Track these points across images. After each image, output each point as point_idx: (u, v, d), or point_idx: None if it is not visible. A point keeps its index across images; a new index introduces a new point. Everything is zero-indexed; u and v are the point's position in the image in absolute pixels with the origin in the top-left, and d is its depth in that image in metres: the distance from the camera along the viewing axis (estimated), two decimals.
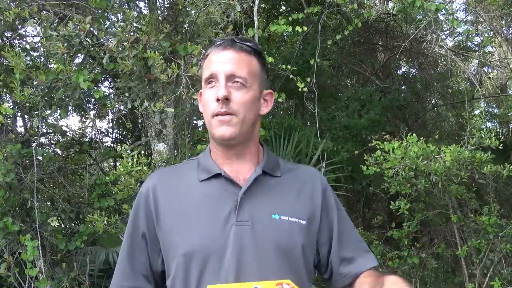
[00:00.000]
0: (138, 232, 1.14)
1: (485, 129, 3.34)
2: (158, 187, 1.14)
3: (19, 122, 3.88)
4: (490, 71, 8.49)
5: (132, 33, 2.71)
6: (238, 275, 1.03)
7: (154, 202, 1.12)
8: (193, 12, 3.02)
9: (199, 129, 4.45)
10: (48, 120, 3.54)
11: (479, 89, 4.68)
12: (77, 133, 4.67)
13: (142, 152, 4.87)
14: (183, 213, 1.10)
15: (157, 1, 3.26)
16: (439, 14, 4.01)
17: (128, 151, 2.91)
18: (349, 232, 1.19)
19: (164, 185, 1.15)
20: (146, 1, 3.45)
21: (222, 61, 1.08)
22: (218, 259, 1.04)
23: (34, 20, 2.85)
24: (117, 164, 4.96)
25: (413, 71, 7.77)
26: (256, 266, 1.04)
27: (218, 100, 1.06)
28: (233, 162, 1.13)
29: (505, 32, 6.85)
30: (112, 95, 4.42)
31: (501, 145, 3.10)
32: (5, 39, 3.34)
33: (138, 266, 1.13)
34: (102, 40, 2.78)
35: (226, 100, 1.06)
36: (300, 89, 3.25)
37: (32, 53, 3.38)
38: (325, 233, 1.15)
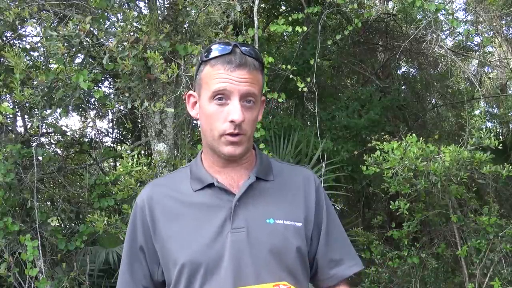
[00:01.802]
0: (136, 245, 1.16)
1: (484, 129, 3.34)
2: (153, 199, 1.15)
3: (19, 122, 3.88)
4: (490, 71, 8.50)
5: (132, 33, 2.71)
6: (236, 282, 1.04)
7: (150, 213, 1.13)
8: (193, 12, 3.02)
9: (199, 129, 4.45)
10: (48, 120, 3.54)
11: (479, 89, 4.67)
12: (77, 133, 4.67)
13: (142, 152, 4.87)
14: (179, 223, 1.11)
15: (157, 1, 3.26)
16: (439, 14, 4.00)
17: (128, 151, 2.91)
18: (337, 233, 1.20)
19: (159, 196, 1.15)
20: (146, 1, 3.45)
21: (236, 80, 1.05)
22: (215, 267, 1.05)
23: (34, 20, 2.86)
24: (117, 164, 4.96)
25: (413, 71, 7.78)
26: (253, 272, 1.05)
27: (232, 121, 1.05)
28: (228, 170, 1.14)
29: (505, 32, 6.85)
30: (112, 95, 4.43)
31: (501, 145, 3.10)
32: (5, 39, 3.34)
33: (138, 278, 1.16)
34: (102, 40, 2.78)
35: (241, 122, 1.06)
36: (300, 89, 3.25)
37: (32, 53, 3.38)
38: (315, 233, 1.16)
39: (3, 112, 2.87)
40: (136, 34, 2.73)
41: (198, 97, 1.13)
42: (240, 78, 1.05)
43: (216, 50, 1.08)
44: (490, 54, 7.56)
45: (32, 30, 3.37)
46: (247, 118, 1.07)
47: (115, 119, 5.48)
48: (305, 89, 3.25)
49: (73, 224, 4.01)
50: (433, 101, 7.74)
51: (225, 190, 1.11)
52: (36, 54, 3.39)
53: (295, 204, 1.14)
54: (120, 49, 2.65)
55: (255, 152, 1.20)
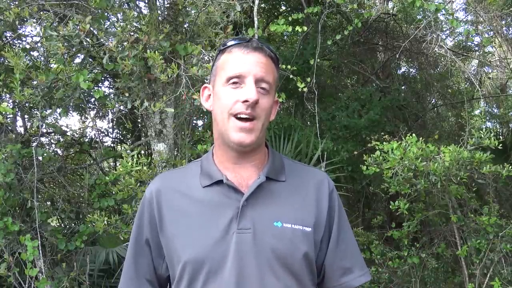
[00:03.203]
0: (142, 238, 1.15)
1: (484, 129, 3.34)
2: (161, 192, 1.14)
3: (19, 122, 3.88)
4: (490, 71, 8.49)
5: (132, 33, 2.72)
6: (239, 284, 1.03)
7: (158, 207, 1.13)
8: (193, 12, 3.02)
9: (199, 129, 4.46)
10: (48, 120, 3.55)
11: (479, 89, 4.67)
12: (77, 133, 4.67)
13: (142, 152, 4.88)
14: (185, 219, 1.10)
15: (157, 1, 3.26)
16: (439, 14, 4.01)
17: (128, 151, 2.91)
18: (348, 240, 1.18)
19: (168, 190, 1.14)
20: (146, 1, 3.45)
21: (251, 63, 1.06)
22: (219, 267, 1.04)
23: (34, 20, 2.86)
24: (117, 164, 4.97)
25: (413, 71, 7.78)
26: (257, 275, 1.04)
27: (246, 101, 1.04)
28: (238, 166, 1.12)
29: (505, 32, 6.85)
30: (112, 95, 4.43)
31: (501, 145, 3.10)
32: (5, 39, 3.34)
33: (142, 271, 1.15)
34: (102, 40, 2.78)
35: (255, 103, 1.05)
36: (300, 89, 3.25)
37: (32, 53, 3.38)
38: (325, 238, 1.14)
39: (3, 112, 2.87)
40: (136, 34, 2.73)
41: (213, 87, 1.13)
42: (256, 62, 1.06)
43: (234, 40, 1.11)
44: (490, 54, 7.56)
45: (32, 30, 3.37)
46: (261, 102, 1.06)
47: (115, 119, 5.48)
48: (305, 89, 3.25)
49: (73, 224, 4.00)
50: (433, 101, 7.74)
51: (234, 188, 1.09)
52: (36, 54, 3.39)
53: (306, 207, 1.12)
54: (120, 49, 2.65)
55: (268, 151, 1.18)
